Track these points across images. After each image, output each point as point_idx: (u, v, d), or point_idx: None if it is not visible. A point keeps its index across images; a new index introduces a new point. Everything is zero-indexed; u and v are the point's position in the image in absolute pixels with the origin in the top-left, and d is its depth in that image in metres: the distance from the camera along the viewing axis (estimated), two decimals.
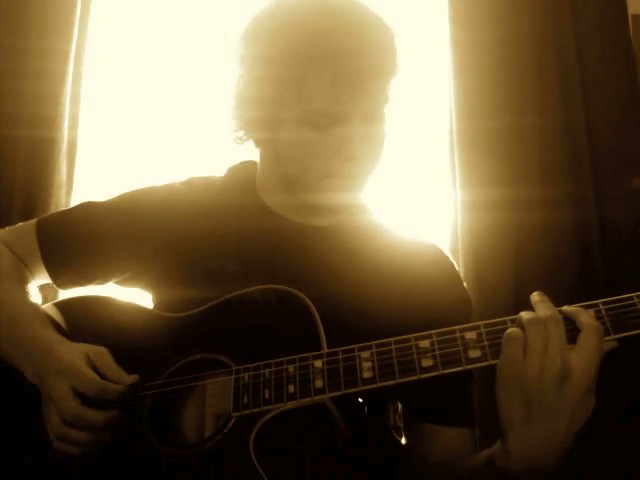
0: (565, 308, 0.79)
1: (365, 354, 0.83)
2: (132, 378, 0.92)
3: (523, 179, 1.49)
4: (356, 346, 0.84)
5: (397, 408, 1.08)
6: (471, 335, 0.80)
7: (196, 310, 0.98)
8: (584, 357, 0.74)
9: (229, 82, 1.00)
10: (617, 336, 0.75)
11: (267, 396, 0.84)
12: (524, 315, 0.78)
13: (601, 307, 0.77)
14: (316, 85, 0.92)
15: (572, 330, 0.76)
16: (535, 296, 0.81)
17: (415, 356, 0.80)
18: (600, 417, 0.77)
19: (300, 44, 0.91)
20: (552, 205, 1.47)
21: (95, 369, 0.92)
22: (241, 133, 1.03)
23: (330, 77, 0.91)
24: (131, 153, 1.73)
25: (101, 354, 0.94)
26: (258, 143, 1.06)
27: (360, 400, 0.88)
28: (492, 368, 0.79)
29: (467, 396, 1.03)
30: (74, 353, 0.93)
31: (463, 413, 1.02)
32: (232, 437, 0.84)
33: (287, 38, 0.92)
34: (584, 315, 0.77)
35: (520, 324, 0.78)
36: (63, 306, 1.07)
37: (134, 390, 0.92)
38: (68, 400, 0.88)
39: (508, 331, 0.77)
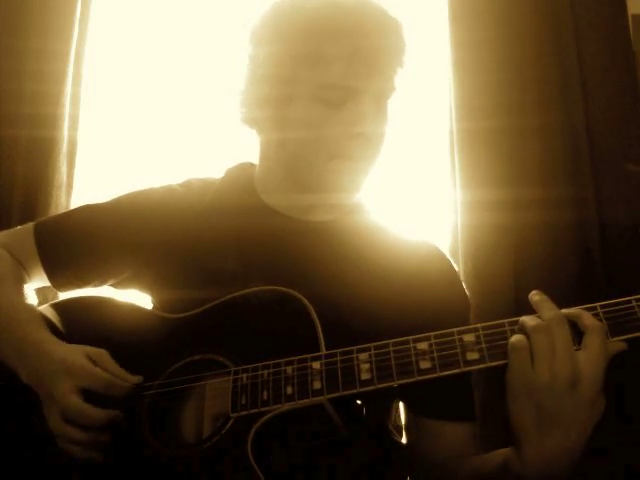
0: (565, 311, 0.78)
1: (363, 356, 0.83)
2: (136, 378, 0.93)
3: (523, 179, 1.49)
4: (354, 348, 0.84)
5: (396, 408, 1.08)
6: (469, 338, 0.80)
7: (195, 311, 0.98)
8: (592, 359, 0.74)
9: (242, 62, 1.01)
10: (618, 338, 0.75)
11: (265, 397, 0.84)
12: (527, 321, 0.77)
13: (599, 310, 0.77)
14: (333, 58, 0.93)
15: (573, 333, 0.76)
16: (535, 295, 0.80)
17: (413, 358, 0.81)
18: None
19: (320, 19, 0.93)
20: (552, 205, 1.47)
21: None
22: (249, 114, 1.03)
23: (349, 50, 0.93)
24: (131, 153, 1.73)
25: (102, 355, 0.94)
26: (264, 125, 1.04)
27: (358, 401, 0.88)
28: (491, 370, 0.79)
29: (467, 391, 1.04)
30: (76, 353, 0.93)
31: (464, 408, 1.03)
32: (230, 438, 0.84)
33: (307, 14, 0.94)
34: (587, 317, 0.76)
35: (523, 331, 0.77)
36: (60, 307, 1.07)
37: (137, 390, 0.92)
38: (71, 397, 0.88)
39: (512, 340, 0.76)
